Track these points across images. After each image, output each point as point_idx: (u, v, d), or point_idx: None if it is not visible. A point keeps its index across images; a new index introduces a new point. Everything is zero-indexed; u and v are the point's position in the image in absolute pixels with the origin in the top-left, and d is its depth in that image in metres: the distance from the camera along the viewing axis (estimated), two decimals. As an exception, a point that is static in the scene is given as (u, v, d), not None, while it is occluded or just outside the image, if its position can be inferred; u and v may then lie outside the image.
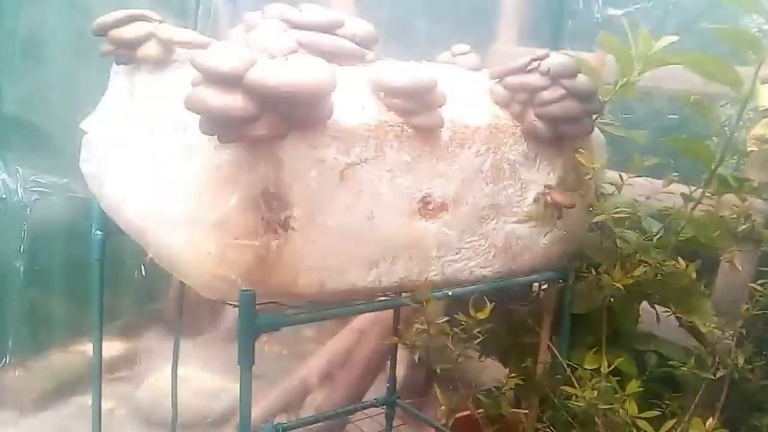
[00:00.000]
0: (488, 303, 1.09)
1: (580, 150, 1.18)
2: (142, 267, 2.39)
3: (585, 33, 1.75)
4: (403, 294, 1.09)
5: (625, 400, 1.09)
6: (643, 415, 1.07)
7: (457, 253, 1.12)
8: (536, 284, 1.37)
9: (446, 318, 1.10)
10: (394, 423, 1.66)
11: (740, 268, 1.19)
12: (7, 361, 2.24)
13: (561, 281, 1.29)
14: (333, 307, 1.05)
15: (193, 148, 0.93)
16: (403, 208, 1.04)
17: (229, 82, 0.87)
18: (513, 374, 1.28)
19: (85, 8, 2.08)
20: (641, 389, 1.10)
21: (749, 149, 1.17)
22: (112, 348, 2.31)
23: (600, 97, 1.19)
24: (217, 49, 0.99)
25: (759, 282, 1.19)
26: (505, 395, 1.29)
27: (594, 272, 1.18)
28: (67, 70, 2.26)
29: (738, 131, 1.17)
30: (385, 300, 1.11)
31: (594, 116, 1.21)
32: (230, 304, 0.98)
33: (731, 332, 1.19)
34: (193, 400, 2.06)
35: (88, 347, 1.48)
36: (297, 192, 0.93)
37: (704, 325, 1.19)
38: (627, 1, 1.70)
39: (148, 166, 1.02)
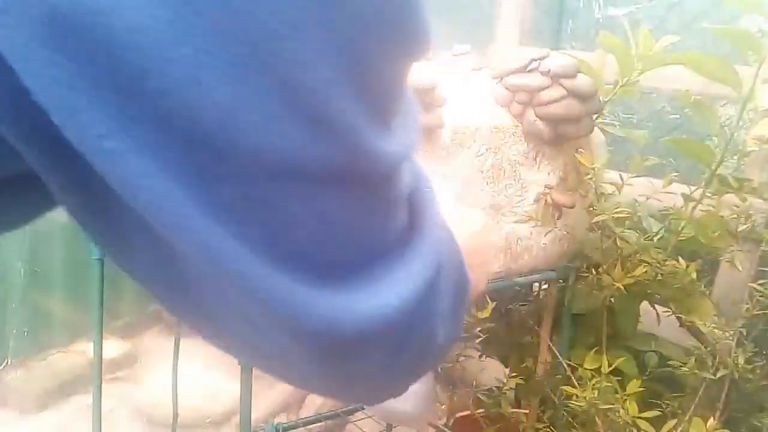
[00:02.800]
0: (488, 303, 1.09)
1: (581, 150, 1.17)
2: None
3: (586, 33, 1.74)
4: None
5: (626, 400, 1.09)
6: (643, 415, 1.07)
7: (457, 253, 1.12)
8: (536, 284, 1.37)
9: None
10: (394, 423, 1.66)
11: (740, 268, 1.18)
12: (9, 362, 2.23)
13: (561, 281, 1.29)
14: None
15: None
16: (404, 208, 1.04)
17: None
18: (513, 374, 1.28)
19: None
20: (642, 389, 1.10)
21: (749, 149, 1.17)
22: (112, 348, 2.31)
23: (600, 97, 1.19)
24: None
25: (759, 282, 1.19)
26: (506, 395, 1.29)
27: (594, 272, 1.18)
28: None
29: (738, 131, 1.17)
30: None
31: (594, 116, 1.20)
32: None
33: (731, 332, 1.19)
34: (194, 400, 2.06)
35: (89, 347, 1.48)
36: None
37: (704, 325, 1.19)
38: (628, 1, 1.69)
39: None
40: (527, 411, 1.35)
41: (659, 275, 1.17)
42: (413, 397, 0.60)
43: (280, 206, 0.27)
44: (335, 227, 0.29)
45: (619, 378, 1.14)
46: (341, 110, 0.26)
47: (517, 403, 1.42)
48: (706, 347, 1.21)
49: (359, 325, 0.30)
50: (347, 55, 0.26)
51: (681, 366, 1.20)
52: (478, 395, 1.30)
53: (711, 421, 1.07)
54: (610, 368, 1.14)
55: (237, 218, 0.27)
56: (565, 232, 1.21)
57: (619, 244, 1.19)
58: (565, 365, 1.24)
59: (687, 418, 1.14)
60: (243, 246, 0.27)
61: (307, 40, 0.24)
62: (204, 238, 0.26)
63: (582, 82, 1.15)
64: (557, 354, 1.29)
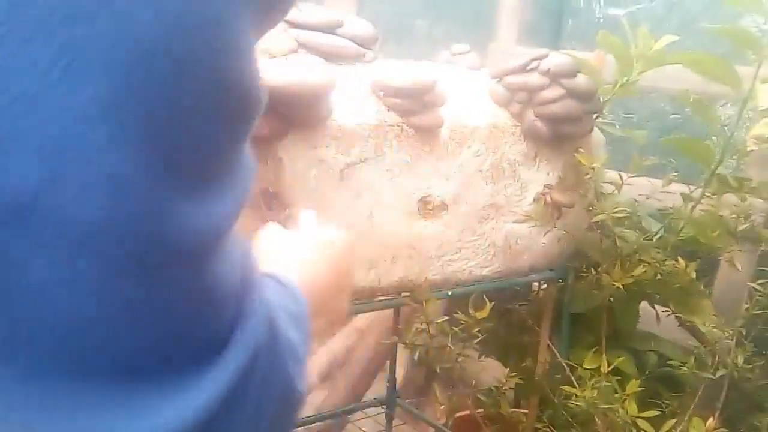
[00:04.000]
0: (488, 302, 1.09)
1: (580, 150, 1.17)
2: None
3: (585, 32, 1.74)
4: (403, 293, 1.09)
5: (625, 399, 1.09)
6: (643, 414, 1.07)
7: (456, 253, 1.12)
8: (536, 284, 1.37)
9: (446, 317, 1.10)
10: (394, 422, 1.66)
11: (740, 268, 1.18)
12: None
13: (560, 281, 1.29)
14: (333, 307, 1.05)
15: (192, 148, 0.93)
16: (403, 208, 1.04)
17: (229, 81, 0.86)
18: (513, 374, 1.28)
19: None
20: (641, 389, 1.10)
21: (749, 149, 1.17)
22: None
23: (600, 97, 1.19)
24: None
25: (759, 281, 1.19)
26: (505, 395, 1.29)
27: (593, 272, 1.18)
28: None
29: (738, 131, 1.17)
30: (385, 300, 1.11)
31: (593, 116, 1.21)
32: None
33: (731, 332, 1.19)
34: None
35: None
36: (297, 191, 0.93)
37: (704, 325, 1.19)
38: (628, 1, 1.69)
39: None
40: (527, 411, 1.35)
41: (659, 275, 1.17)
42: None
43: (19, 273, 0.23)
44: (105, 315, 0.24)
45: (619, 378, 1.14)
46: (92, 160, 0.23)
47: (517, 403, 1.43)
48: (705, 347, 1.21)
49: None
50: (134, 127, 0.23)
51: (680, 366, 1.20)
52: (478, 395, 1.30)
53: (710, 420, 1.07)
54: (610, 368, 1.13)
55: None
56: (564, 232, 1.21)
57: (618, 243, 1.19)
58: (564, 365, 1.24)
59: (686, 417, 1.14)
60: None
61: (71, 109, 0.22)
62: None
63: (581, 81, 1.15)
64: (557, 354, 1.29)
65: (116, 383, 0.26)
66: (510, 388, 1.30)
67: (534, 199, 1.18)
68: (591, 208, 1.17)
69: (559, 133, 1.16)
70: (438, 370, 1.12)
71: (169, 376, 0.27)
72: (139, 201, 0.24)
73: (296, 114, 0.91)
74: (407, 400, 1.73)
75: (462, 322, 1.10)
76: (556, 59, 1.15)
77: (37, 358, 0.24)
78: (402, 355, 1.72)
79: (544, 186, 1.19)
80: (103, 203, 0.23)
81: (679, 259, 1.16)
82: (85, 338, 0.25)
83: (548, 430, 1.27)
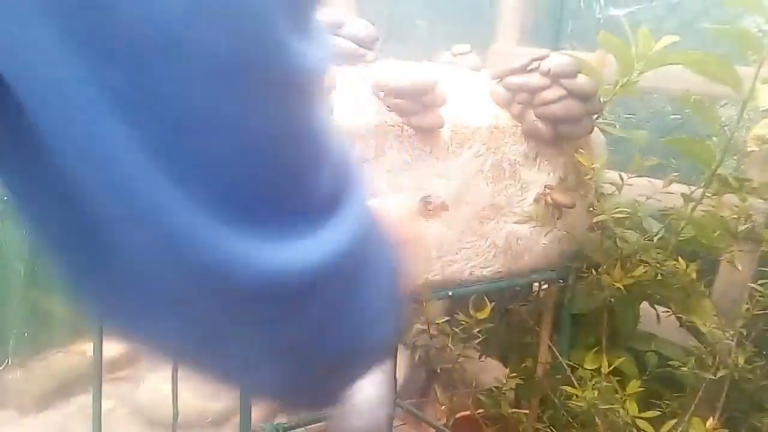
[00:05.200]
0: (488, 303, 1.10)
1: (580, 150, 1.17)
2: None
3: (586, 33, 1.74)
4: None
5: (626, 400, 1.09)
6: (643, 415, 1.07)
7: (457, 253, 1.12)
8: (536, 284, 1.37)
9: (446, 318, 1.10)
10: (395, 423, 1.66)
11: (740, 268, 1.18)
12: (9, 362, 2.23)
13: (561, 281, 1.29)
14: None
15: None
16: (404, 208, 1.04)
17: (230, 82, 0.87)
18: (513, 374, 1.29)
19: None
20: (641, 389, 1.10)
21: (749, 149, 1.17)
22: (112, 348, 2.31)
23: (600, 97, 1.19)
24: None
25: (759, 282, 1.19)
26: (505, 395, 1.29)
27: (594, 272, 1.18)
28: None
29: (738, 131, 1.17)
30: (385, 300, 1.11)
31: (594, 116, 1.21)
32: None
33: (731, 332, 1.19)
34: (194, 400, 2.06)
35: (89, 347, 1.48)
36: (297, 192, 0.93)
37: (704, 325, 1.19)
38: (628, 1, 1.70)
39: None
40: (527, 411, 1.35)
41: (659, 275, 1.17)
42: (367, 413, 0.59)
43: (180, 98, 0.26)
44: (249, 135, 0.28)
45: (619, 378, 1.14)
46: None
47: (517, 404, 1.42)
48: (706, 347, 1.21)
49: (270, 277, 0.29)
50: None
51: (681, 366, 1.20)
52: (478, 395, 1.30)
53: (710, 421, 1.07)
54: (610, 368, 1.14)
55: (136, 114, 0.26)
56: (565, 233, 1.21)
57: (619, 244, 1.19)
58: (565, 365, 1.24)
59: (687, 418, 1.14)
60: (132, 147, 0.26)
61: None
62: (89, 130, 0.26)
63: (582, 82, 1.15)
64: (557, 354, 1.29)
65: (248, 217, 0.29)
66: (510, 388, 1.30)
67: (535, 200, 1.18)
68: (591, 209, 1.17)
69: (560, 134, 1.16)
70: (438, 371, 1.12)
71: (299, 220, 0.30)
72: (268, 40, 0.27)
73: (297, 114, 0.91)
74: (408, 401, 1.73)
75: (462, 322, 1.10)
76: (557, 60, 1.15)
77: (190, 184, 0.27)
78: (402, 356, 1.72)
79: (545, 186, 1.19)
80: (236, 39, 0.26)
81: (680, 259, 1.16)
82: (226, 168, 0.28)
83: (549, 430, 1.27)
